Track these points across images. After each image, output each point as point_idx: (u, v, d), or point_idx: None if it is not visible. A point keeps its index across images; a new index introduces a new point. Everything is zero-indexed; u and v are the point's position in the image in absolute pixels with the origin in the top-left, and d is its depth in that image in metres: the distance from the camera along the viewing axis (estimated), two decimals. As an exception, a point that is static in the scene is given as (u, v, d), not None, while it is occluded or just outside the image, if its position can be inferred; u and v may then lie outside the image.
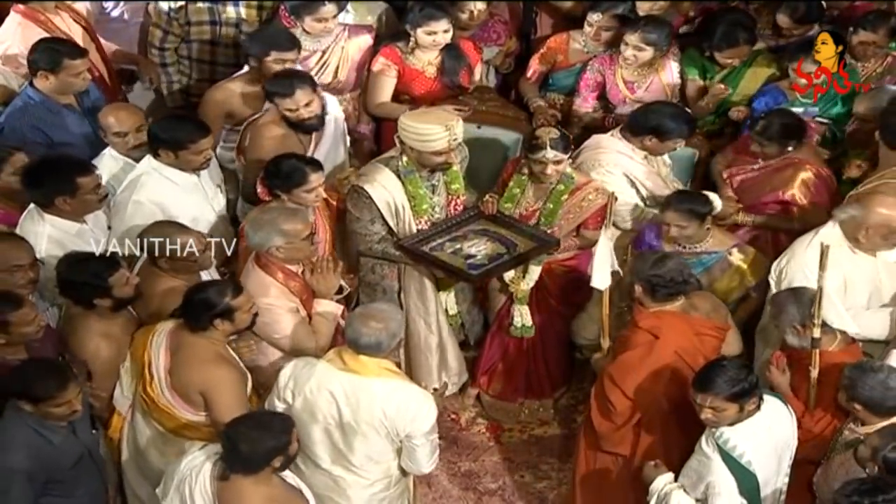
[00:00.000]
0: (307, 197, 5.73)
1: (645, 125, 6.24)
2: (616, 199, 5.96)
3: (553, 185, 6.06)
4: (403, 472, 5.19)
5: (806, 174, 6.23)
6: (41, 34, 6.47)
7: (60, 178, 5.50)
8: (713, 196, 5.98)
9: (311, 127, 6.15)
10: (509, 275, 6.14)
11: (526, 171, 6.11)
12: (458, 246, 5.96)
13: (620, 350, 5.42)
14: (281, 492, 4.64)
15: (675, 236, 5.92)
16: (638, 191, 6.32)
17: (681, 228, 5.87)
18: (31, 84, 6.18)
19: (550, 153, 5.91)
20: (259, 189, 5.81)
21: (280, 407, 5.02)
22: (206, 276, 5.58)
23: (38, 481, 4.78)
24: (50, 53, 6.11)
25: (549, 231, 6.06)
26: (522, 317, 6.21)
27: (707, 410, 4.80)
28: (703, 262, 5.95)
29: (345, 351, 4.99)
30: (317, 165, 5.78)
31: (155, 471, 5.13)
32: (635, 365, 5.26)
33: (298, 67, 6.44)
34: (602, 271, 5.55)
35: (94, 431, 5.11)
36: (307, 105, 6.06)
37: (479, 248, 5.95)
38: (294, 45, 6.41)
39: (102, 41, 6.95)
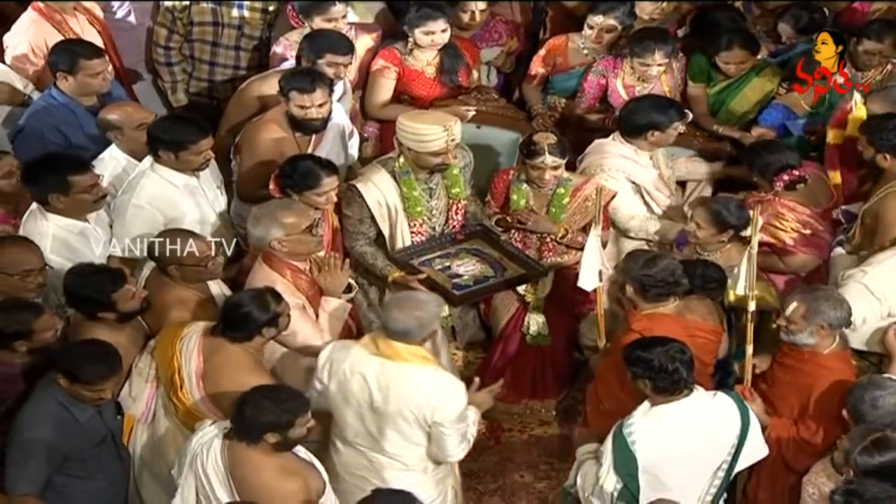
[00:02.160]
0: (318, 200, 5.70)
1: (639, 125, 6.25)
2: (614, 196, 6.02)
3: (553, 190, 6.10)
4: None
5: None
6: (53, 33, 6.45)
7: (54, 175, 5.46)
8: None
9: (313, 128, 6.09)
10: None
11: (524, 177, 6.14)
12: (448, 264, 5.96)
13: (612, 351, 5.44)
14: (293, 463, 4.67)
15: (688, 231, 5.92)
16: (642, 196, 6.34)
17: (697, 227, 5.84)
18: (54, 85, 6.15)
19: (549, 159, 5.95)
20: (271, 186, 5.77)
21: (318, 387, 5.04)
22: (213, 284, 5.55)
23: (57, 455, 4.78)
24: (67, 54, 6.10)
25: None
26: (538, 325, 6.21)
27: None
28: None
29: (379, 336, 4.99)
30: (332, 170, 5.74)
31: (169, 470, 5.07)
32: (625, 367, 5.25)
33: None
34: (590, 271, 5.53)
35: (118, 417, 5.11)
36: (321, 105, 6.00)
37: (466, 269, 5.95)
38: (350, 50, 6.39)
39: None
